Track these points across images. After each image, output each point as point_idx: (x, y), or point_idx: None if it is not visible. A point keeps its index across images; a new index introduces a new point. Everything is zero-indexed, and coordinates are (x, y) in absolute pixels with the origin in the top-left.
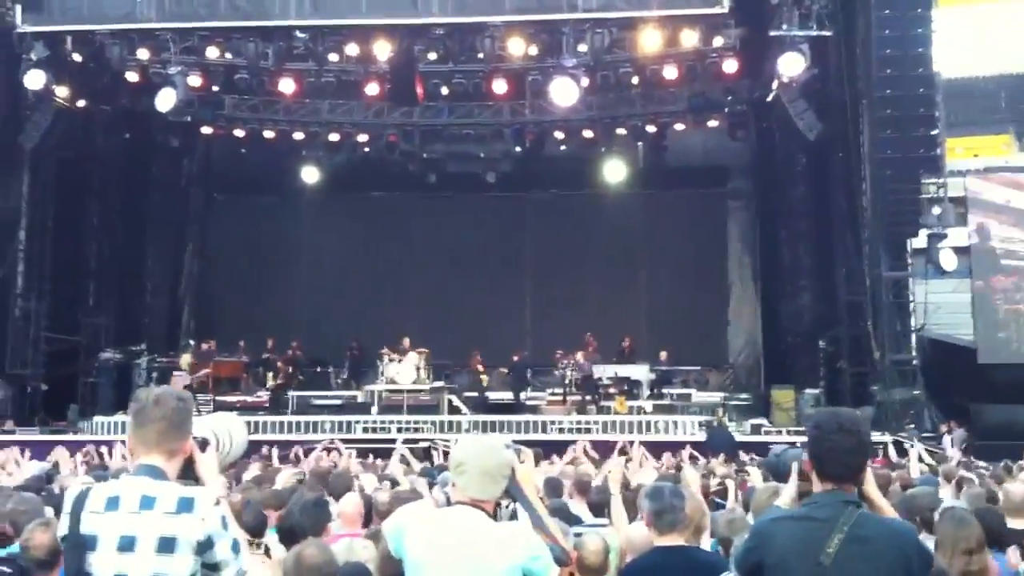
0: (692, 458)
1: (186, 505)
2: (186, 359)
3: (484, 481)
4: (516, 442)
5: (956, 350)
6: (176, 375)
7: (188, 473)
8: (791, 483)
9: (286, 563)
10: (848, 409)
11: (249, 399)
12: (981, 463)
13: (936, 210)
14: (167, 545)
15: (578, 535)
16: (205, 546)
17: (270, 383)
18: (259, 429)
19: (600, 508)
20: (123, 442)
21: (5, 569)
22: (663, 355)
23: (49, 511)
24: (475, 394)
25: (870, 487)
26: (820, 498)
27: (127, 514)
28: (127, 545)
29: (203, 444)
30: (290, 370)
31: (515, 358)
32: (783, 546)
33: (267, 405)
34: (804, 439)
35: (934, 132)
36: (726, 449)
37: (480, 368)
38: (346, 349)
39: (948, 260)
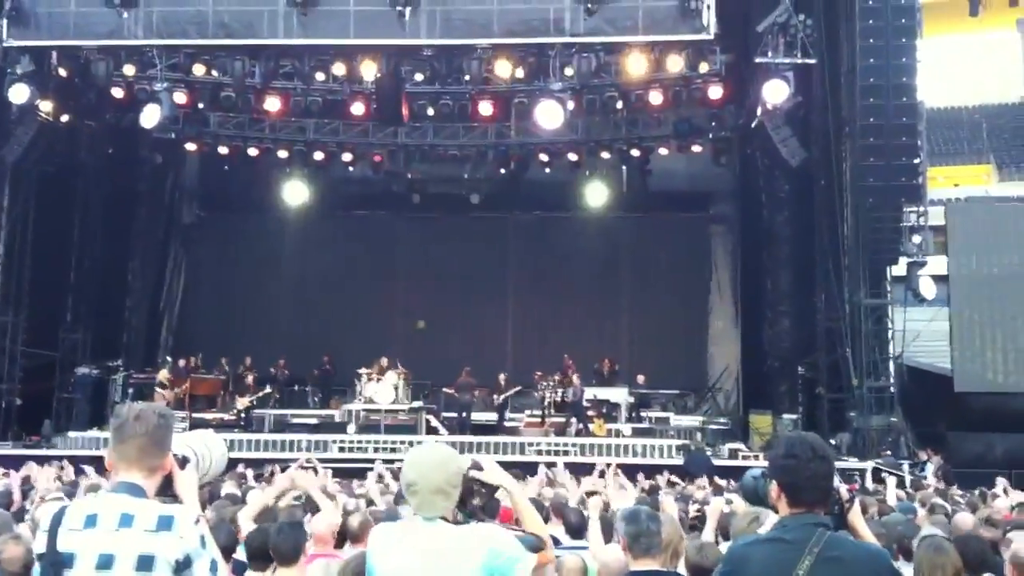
0: (670, 483)
1: (165, 523)
2: (163, 374)
3: (436, 499)
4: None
5: (933, 378)
6: (158, 391)
7: (166, 490)
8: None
9: None
10: (812, 433)
11: (225, 416)
12: (957, 492)
13: (916, 238)
14: (146, 563)
15: (557, 556)
16: (184, 565)
17: (237, 401)
18: (234, 447)
19: (577, 530)
20: (99, 458)
21: None
22: (640, 378)
23: (23, 528)
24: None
25: (855, 516)
26: (789, 521)
27: (105, 532)
28: (105, 563)
29: (183, 461)
30: (267, 388)
31: (503, 391)
32: (757, 569)
33: (239, 423)
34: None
35: (916, 161)
36: (704, 473)
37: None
38: (317, 366)
39: (927, 288)
